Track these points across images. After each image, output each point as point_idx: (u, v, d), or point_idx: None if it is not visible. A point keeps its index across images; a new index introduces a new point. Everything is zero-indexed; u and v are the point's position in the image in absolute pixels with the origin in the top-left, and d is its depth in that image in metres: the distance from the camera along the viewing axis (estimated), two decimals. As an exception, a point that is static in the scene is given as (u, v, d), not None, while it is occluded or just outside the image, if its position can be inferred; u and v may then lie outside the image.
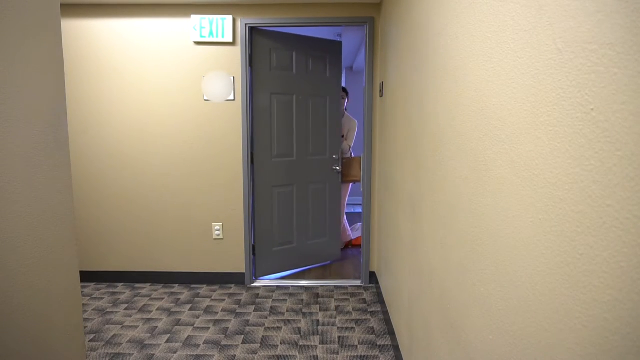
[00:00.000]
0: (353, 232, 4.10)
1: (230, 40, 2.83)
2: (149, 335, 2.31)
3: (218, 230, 3.02)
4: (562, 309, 0.58)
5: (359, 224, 4.12)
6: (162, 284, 3.07)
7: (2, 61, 0.95)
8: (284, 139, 3.11)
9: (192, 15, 2.81)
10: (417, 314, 1.58)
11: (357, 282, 3.09)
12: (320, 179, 3.31)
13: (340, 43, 3.30)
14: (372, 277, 3.08)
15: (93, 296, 2.85)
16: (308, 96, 3.19)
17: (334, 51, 3.27)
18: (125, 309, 2.65)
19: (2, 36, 0.94)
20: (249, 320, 2.49)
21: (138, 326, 2.41)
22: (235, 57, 2.87)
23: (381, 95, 2.75)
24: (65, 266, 1.17)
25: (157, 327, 2.41)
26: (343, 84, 6.30)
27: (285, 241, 3.22)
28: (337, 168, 3.32)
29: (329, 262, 3.49)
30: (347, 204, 3.94)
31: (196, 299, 2.82)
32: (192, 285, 3.05)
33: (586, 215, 0.53)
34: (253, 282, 3.08)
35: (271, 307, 2.68)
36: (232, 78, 2.87)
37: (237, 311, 2.63)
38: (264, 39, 2.94)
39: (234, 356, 2.10)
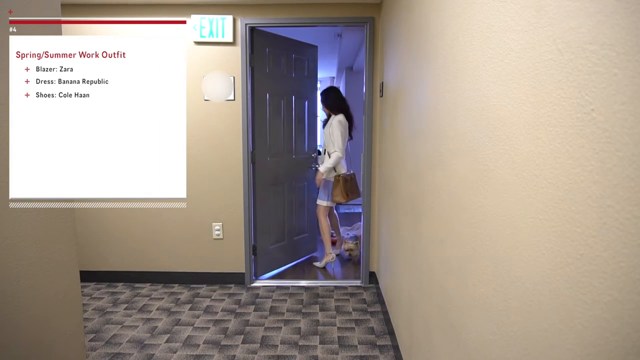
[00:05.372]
0: (352, 231, 4.10)
1: (231, 40, 2.83)
2: (149, 335, 2.31)
3: (218, 230, 3.02)
4: (562, 309, 0.58)
5: (359, 224, 4.12)
6: (162, 284, 3.07)
7: (2, 61, 0.95)
8: (276, 139, 3.20)
9: (192, 15, 2.81)
10: (417, 314, 1.58)
11: (357, 282, 3.09)
12: (303, 177, 3.47)
13: (316, 47, 3.49)
14: (372, 277, 3.08)
15: (93, 296, 2.85)
16: (294, 97, 3.32)
17: (311, 55, 3.44)
18: (125, 308, 2.65)
19: (3, 36, 0.94)
20: (248, 320, 2.49)
21: (138, 326, 2.41)
22: (235, 57, 2.87)
23: (381, 95, 2.75)
24: (65, 266, 1.17)
25: (157, 326, 2.41)
26: (343, 85, 6.20)
27: (278, 239, 3.31)
28: (316, 166, 3.47)
29: (307, 256, 3.62)
30: (348, 203, 3.70)
31: (196, 298, 2.82)
32: (192, 285, 3.05)
33: (586, 215, 0.53)
34: (253, 282, 3.08)
35: (271, 307, 2.68)
36: (232, 78, 2.87)
37: (237, 311, 2.63)
38: (262, 40, 2.96)
39: (234, 356, 2.10)
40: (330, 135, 3.22)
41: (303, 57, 3.35)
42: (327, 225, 3.36)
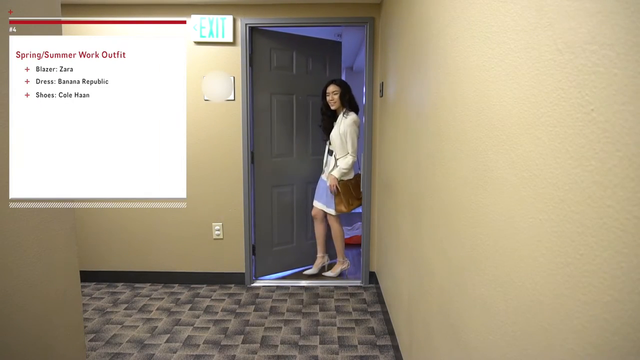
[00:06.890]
0: (352, 231, 4.11)
1: (231, 40, 2.82)
2: (149, 335, 2.31)
3: (218, 230, 3.02)
4: (563, 310, 0.58)
5: (359, 223, 4.12)
6: (162, 284, 3.07)
7: (2, 61, 0.95)
8: (283, 139, 3.14)
9: (192, 15, 2.81)
10: (417, 314, 1.58)
11: (357, 282, 3.09)
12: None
13: (340, 44, 3.35)
14: (372, 277, 3.08)
15: (93, 296, 2.85)
16: (308, 96, 3.22)
17: (334, 51, 3.31)
18: (125, 308, 2.65)
19: (3, 36, 0.94)
20: (248, 320, 2.49)
21: (138, 326, 2.41)
22: (235, 57, 2.87)
23: (381, 95, 2.75)
24: (66, 266, 1.17)
25: (157, 326, 2.41)
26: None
27: (284, 241, 3.24)
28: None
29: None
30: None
31: (196, 298, 2.82)
32: (192, 285, 3.05)
33: (586, 215, 0.53)
34: (253, 282, 3.07)
35: (271, 307, 2.68)
36: (232, 78, 2.87)
37: (237, 311, 2.63)
38: (264, 39, 2.94)
39: (234, 356, 2.10)
40: (343, 135, 2.90)
41: (319, 53, 3.20)
42: (339, 231, 3.10)
